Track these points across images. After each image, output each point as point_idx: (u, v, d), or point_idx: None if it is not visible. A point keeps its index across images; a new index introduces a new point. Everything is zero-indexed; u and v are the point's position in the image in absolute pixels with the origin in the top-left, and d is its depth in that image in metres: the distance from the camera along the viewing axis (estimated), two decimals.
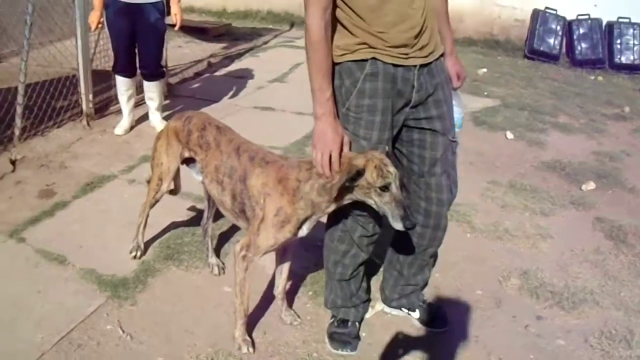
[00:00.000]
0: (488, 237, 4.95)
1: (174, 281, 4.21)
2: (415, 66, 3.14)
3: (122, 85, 6.79)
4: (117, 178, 5.73)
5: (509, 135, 7.36)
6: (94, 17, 6.50)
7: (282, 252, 3.71)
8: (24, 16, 6.14)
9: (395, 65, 3.12)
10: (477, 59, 11.32)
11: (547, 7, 12.36)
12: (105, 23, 6.58)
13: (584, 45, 12.16)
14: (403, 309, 3.88)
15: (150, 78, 6.84)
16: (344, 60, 3.15)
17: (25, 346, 3.54)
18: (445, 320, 3.89)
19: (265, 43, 12.26)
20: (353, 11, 3.06)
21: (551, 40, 12.22)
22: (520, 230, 5.07)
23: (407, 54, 3.12)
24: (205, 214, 4.32)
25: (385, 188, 3.03)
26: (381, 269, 4.10)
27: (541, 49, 12.28)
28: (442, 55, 3.39)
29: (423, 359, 3.61)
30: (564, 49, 12.33)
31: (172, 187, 4.22)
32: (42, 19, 8.24)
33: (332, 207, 3.26)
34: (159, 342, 3.64)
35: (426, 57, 3.18)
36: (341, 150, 3.11)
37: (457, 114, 3.61)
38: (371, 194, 3.07)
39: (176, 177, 4.22)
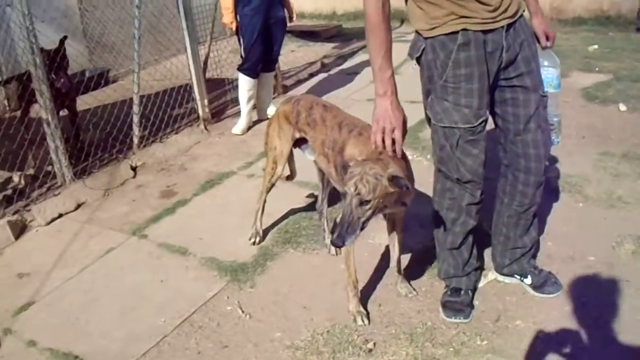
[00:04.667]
0: (600, 205, 4.74)
1: (291, 263, 4.23)
2: (502, 27, 3.10)
3: (247, 84, 6.88)
4: (235, 174, 5.80)
5: (622, 107, 6.88)
6: (230, 17, 6.69)
7: (391, 226, 3.69)
8: (133, 30, 6.43)
9: (484, 32, 3.07)
10: (587, 37, 10.78)
11: None
12: (239, 21, 6.72)
13: None
14: (515, 275, 3.80)
15: (272, 67, 7.17)
16: (435, 34, 3.12)
17: (148, 329, 3.64)
18: (557, 286, 3.77)
19: None
20: None
21: None
22: (634, 197, 4.81)
23: (494, 18, 3.06)
24: (320, 196, 4.33)
25: (343, 195, 3.04)
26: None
27: None
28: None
29: (535, 324, 3.49)
30: None
31: (287, 172, 4.27)
32: (154, 37, 8.79)
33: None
34: (276, 319, 3.67)
35: (512, 17, 3.12)
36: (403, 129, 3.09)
37: (552, 73, 3.54)
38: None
39: (291, 162, 4.26)
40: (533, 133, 3.32)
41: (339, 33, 12.72)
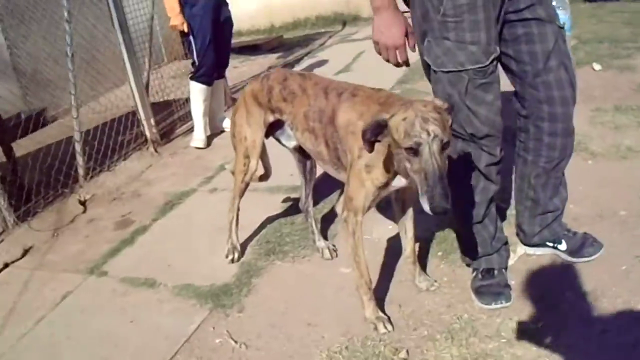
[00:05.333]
0: (611, 159, 4.53)
1: (281, 276, 3.70)
2: None
3: (202, 94, 6.40)
4: (196, 191, 5.26)
5: (596, 66, 6.95)
6: (180, 18, 6.17)
7: (401, 207, 3.21)
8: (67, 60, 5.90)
9: None
10: None
11: None
12: (189, 24, 6.23)
13: None
14: (547, 243, 3.38)
15: (223, 73, 6.81)
16: None
17: None
18: (598, 245, 3.34)
19: (322, 45, 11.81)
20: None
21: None
22: None
23: None
24: (303, 192, 3.77)
25: (413, 151, 2.41)
26: (510, 212, 3.76)
27: None
28: None
29: (588, 293, 3.07)
30: None
31: (261, 171, 3.73)
32: (91, 72, 8.36)
33: None
34: (279, 344, 3.08)
35: None
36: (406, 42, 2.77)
37: (562, 15, 3.23)
38: (402, 158, 2.51)
39: (264, 157, 3.72)
40: (555, 72, 2.87)
41: (280, 44, 12.58)
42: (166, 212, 4.92)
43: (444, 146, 2.39)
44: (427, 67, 2.90)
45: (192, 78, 6.41)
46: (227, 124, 6.69)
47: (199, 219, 4.69)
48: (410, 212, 3.19)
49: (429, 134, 2.36)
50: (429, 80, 2.98)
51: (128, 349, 3.25)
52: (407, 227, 3.23)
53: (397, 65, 2.83)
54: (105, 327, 3.49)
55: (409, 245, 3.26)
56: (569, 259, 3.31)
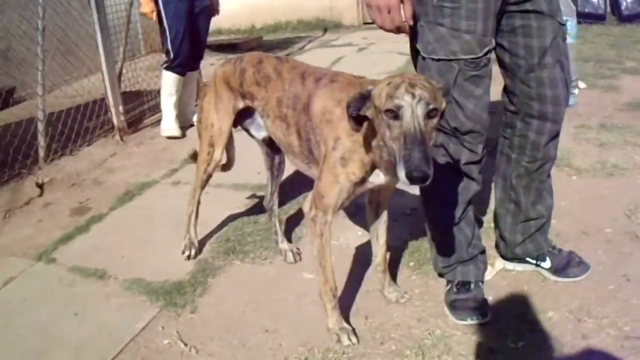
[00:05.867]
0: (597, 175, 4.47)
1: (240, 277, 3.47)
2: None
3: (174, 84, 6.16)
4: (158, 183, 5.03)
5: (581, 85, 6.93)
6: (150, 6, 5.94)
7: (374, 210, 3.00)
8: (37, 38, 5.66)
9: None
10: None
11: None
12: (163, 10, 5.95)
13: (629, 0, 11.62)
14: (529, 258, 3.22)
15: (197, 65, 6.58)
16: None
17: None
18: (585, 266, 3.18)
19: (301, 49, 11.71)
20: None
21: (595, 0, 11.77)
22: (630, 163, 4.62)
23: None
24: (269, 189, 3.56)
25: (393, 114, 2.18)
26: (488, 224, 3.63)
27: (586, 10, 11.63)
28: None
29: (571, 313, 2.91)
30: (608, 8, 11.84)
31: (223, 160, 3.49)
32: (65, 57, 8.23)
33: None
34: (232, 351, 2.85)
35: None
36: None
37: (569, 22, 2.96)
38: (381, 124, 2.27)
39: (229, 146, 3.50)
40: (550, 69, 2.76)
41: (259, 44, 12.45)
42: (125, 202, 4.68)
43: (430, 113, 2.17)
44: (415, 53, 2.76)
45: (166, 67, 6.16)
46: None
47: (158, 211, 4.46)
48: (384, 216, 2.99)
49: (413, 96, 2.15)
50: (415, 68, 2.82)
51: (67, 345, 3.00)
52: (379, 232, 3.02)
53: (394, 31, 2.59)
54: (46, 318, 3.23)
55: (380, 252, 3.05)
56: (553, 277, 3.15)
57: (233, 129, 3.36)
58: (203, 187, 3.54)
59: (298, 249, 3.61)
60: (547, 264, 3.16)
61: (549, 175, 3.07)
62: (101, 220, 4.39)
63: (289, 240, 3.71)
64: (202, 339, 2.95)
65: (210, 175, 3.47)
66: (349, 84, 2.62)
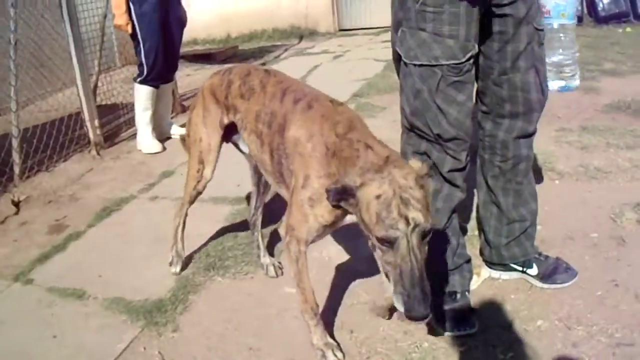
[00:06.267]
0: (580, 179, 4.48)
1: (221, 294, 3.41)
2: None
3: (149, 97, 6.08)
4: (136, 198, 4.96)
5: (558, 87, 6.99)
6: (125, 18, 5.81)
7: None
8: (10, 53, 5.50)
9: None
10: None
11: None
12: (137, 23, 5.85)
13: (605, 0, 11.76)
14: (516, 265, 3.18)
15: (172, 76, 6.48)
16: None
17: None
18: (572, 272, 3.17)
19: (277, 57, 11.67)
20: None
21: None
22: (613, 166, 4.63)
23: None
24: (253, 204, 3.50)
25: (388, 242, 2.06)
26: (471, 233, 3.65)
27: None
28: None
29: (561, 321, 2.89)
30: (585, 10, 11.97)
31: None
32: (45, 68, 8.13)
33: None
34: None
35: None
36: None
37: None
38: (371, 242, 2.17)
39: None
40: (523, 74, 2.78)
41: (235, 54, 12.43)
42: (102, 219, 4.60)
43: (424, 236, 2.07)
44: (397, 59, 2.73)
45: (139, 81, 6.06)
46: (174, 130, 6.46)
47: (136, 227, 4.39)
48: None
49: (408, 223, 2.01)
50: (398, 75, 2.79)
51: None
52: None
53: None
54: (24, 340, 3.16)
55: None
56: (540, 284, 3.12)
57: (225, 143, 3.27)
58: (191, 202, 3.44)
59: (279, 263, 3.56)
60: (533, 270, 3.14)
61: (528, 178, 3.06)
62: (79, 238, 4.32)
63: (271, 255, 3.66)
64: (185, 358, 2.89)
65: (199, 193, 3.37)
66: (324, 117, 2.49)
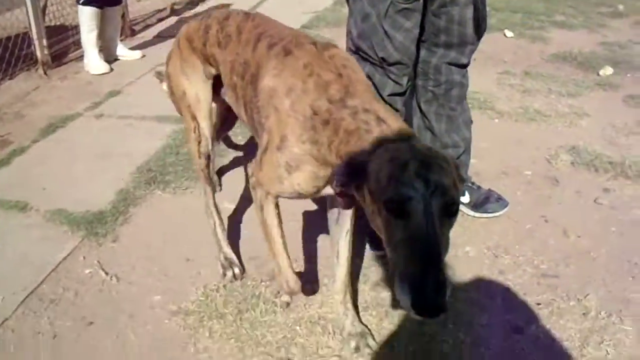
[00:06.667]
0: (519, 120, 4.61)
1: (161, 207, 3.50)
2: None
3: (93, 19, 5.98)
4: (81, 116, 4.95)
5: (508, 33, 7.13)
6: None
7: (334, 219, 2.44)
8: None
9: None
10: None
11: None
12: None
13: None
14: None
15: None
16: None
17: None
18: (503, 202, 3.28)
19: None
20: None
21: None
22: (553, 110, 4.77)
23: None
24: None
25: (396, 208, 1.51)
26: None
27: None
28: None
29: (489, 250, 3.01)
30: None
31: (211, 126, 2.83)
32: None
33: None
34: (153, 279, 2.90)
35: None
36: None
37: None
38: (375, 215, 1.62)
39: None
40: (462, 8, 2.80)
41: None
42: (47, 135, 4.61)
43: (448, 209, 1.52)
44: None
45: (81, 3, 5.96)
46: (121, 51, 6.45)
47: (81, 144, 4.41)
48: (347, 223, 2.40)
49: (427, 184, 1.49)
50: (347, 2, 2.83)
51: None
52: (340, 247, 2.43)
53: None
54: None
55: (339, 276, 2.47)
56: (471, 213, 3.22)
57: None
58: (209, 178, 2.90)
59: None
60: (465, 198, 3.22)
61: (462, 106, 3.10)
62: (23, 153, 4.33)
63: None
64: (123, 267, 2.97)
65: (208, 157, 2.81)
66: (306, 69, 2.02)
